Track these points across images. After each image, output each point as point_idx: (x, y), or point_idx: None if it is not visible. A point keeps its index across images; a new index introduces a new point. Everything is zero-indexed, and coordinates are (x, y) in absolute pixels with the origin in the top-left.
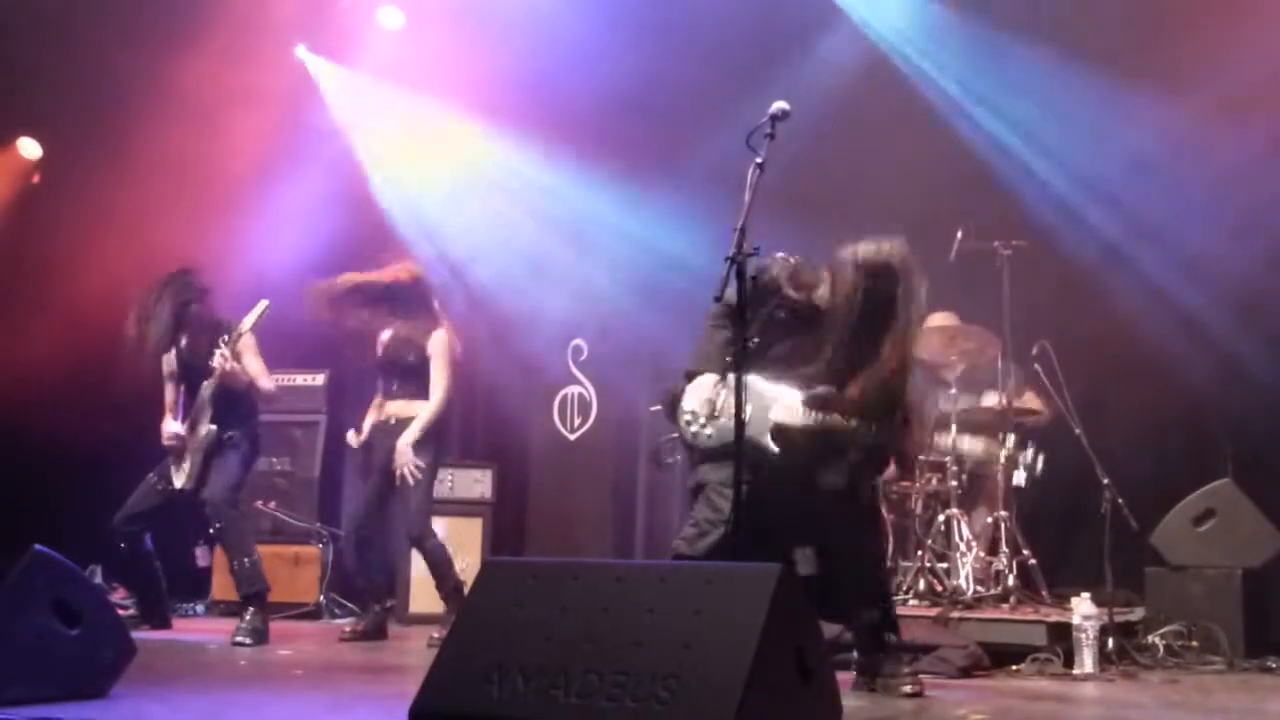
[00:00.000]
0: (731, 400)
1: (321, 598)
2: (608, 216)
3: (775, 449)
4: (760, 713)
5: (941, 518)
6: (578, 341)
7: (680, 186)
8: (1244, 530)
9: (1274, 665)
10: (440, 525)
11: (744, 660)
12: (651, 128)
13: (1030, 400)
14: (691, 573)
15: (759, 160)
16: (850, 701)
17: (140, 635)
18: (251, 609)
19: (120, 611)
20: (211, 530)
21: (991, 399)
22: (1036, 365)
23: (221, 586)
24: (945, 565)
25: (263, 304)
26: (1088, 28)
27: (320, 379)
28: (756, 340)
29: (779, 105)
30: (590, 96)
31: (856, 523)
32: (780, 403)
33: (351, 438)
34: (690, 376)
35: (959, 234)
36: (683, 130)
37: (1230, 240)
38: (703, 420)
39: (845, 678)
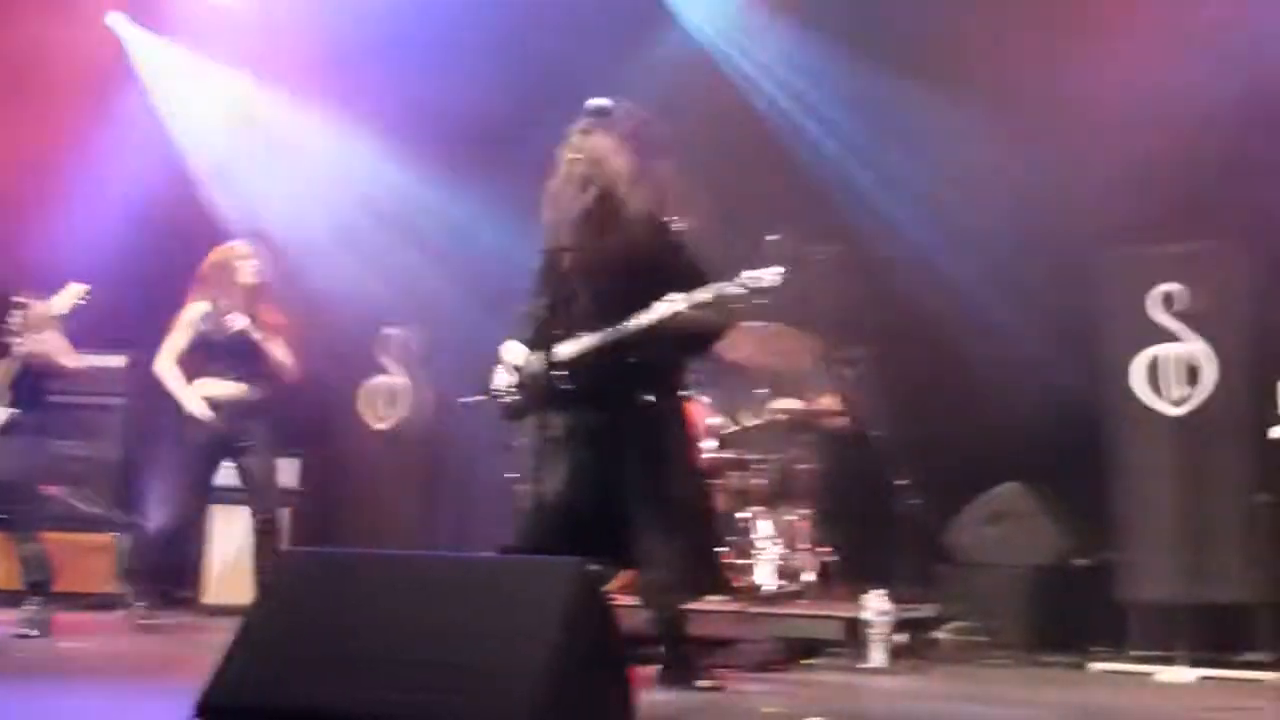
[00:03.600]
0: (531, 360)
1: (117, 587)
2: (426, 203)
3: (566, 384)
4: (556, 705)
5: (745, 514)
6: (389, 330)
7: (503, 178)
8: (1030, 530)
9: (1054, 660)
10: (244, 514)
11: (541, 653)
12: (478, 119)
13: (830, 404)
14: (493, 565)
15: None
16: (648, 695)
17: None
18: (36, 598)
19: None
20: (2, 516)
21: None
22: (846, 368)
23: (6, 574)
24: (747, 561)
25: (77, 288)
26: (910, 41)
27: (121, 361)
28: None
29: (598, 101)
30: (418, 83)
31: (663, 430)
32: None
33: (201, 411)
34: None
35: (775, 237)
36: (509, 122)
37: (1030, 253)
38: (508, 387)
39: (648, 672)
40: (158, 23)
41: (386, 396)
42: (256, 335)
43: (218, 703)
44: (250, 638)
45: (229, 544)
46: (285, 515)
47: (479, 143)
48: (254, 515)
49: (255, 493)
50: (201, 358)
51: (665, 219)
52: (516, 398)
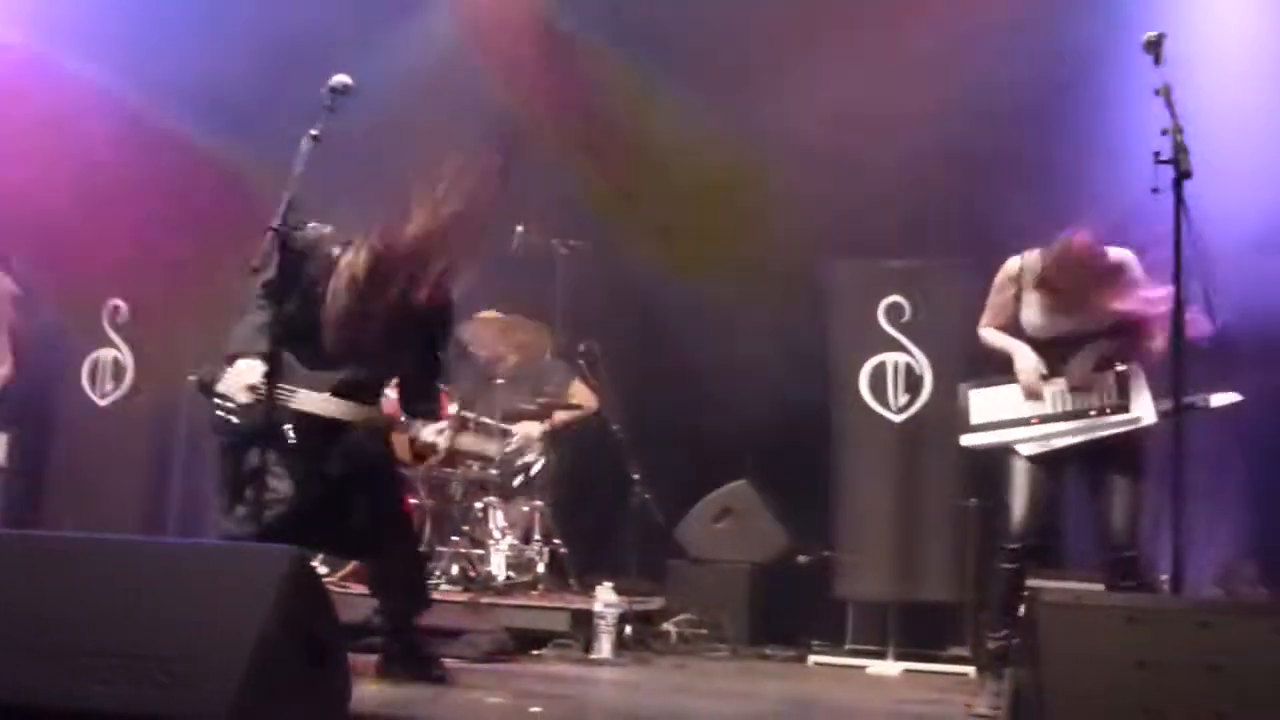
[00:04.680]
0: (263, 390)
1: None
2: (163, 175)
3: (292, 438)
4: (262, 697)
5: (479, 505)
6: (116, 302)
7: (245, 153)
8: (755, 528)
9: (770, 653)
10: None
11: (248, 642)
12: (221, 89)
13: (579, 393)
14: (203, 552)
15: (313, 132)
16: (368, 685)
17: None
18: None
19: None
20: None
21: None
22: (582, 361)
23: None
24: (480, 551)
25: None
26: (660, 47)
27: None
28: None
29: (340, 79)
30: (161, 51)
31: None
32: (301, 393)
33: None
34: (230, 360)
35: (519, 228)
36: (253, 94)
37: (769, 261)
38: (235, 405)
39: (370, 662)
40: None
41: (111, 370)
42: None
43: None
44: None
45: None
46: None
47: (220, 115)
48: None
49: None
50: None
51: (445, 292)
52: (243, 421)
